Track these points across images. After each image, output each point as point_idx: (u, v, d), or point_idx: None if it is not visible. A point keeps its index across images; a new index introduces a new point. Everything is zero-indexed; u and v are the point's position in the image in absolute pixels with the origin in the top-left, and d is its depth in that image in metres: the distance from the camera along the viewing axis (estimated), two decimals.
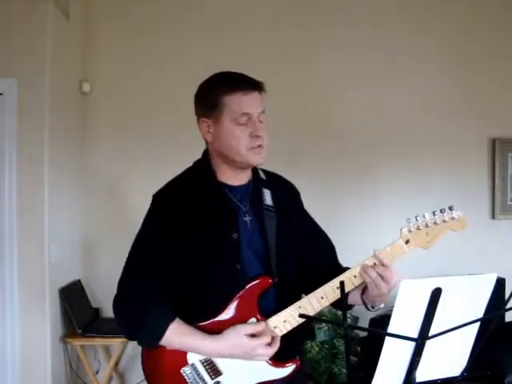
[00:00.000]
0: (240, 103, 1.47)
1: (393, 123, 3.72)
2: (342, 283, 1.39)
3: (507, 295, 1.41)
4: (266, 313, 1.49)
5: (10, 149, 3.03)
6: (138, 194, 3.66)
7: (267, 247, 1.53)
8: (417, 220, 1.47)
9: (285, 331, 1.48)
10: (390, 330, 1.24)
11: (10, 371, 3.05)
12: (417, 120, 3.71)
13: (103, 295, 3.63)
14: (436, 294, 1.22)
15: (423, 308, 1.23)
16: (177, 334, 1.45)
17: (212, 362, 1.48)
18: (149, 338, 1.47)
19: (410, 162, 3.71)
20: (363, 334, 3.31)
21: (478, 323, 1.31)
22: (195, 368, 1.48)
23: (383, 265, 1.43)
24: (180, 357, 1.48)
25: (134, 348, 3.68)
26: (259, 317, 1.48)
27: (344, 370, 3.12)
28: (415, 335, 1.25)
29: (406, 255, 1.50)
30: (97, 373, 3.53)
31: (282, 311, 1.48)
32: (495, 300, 1.34)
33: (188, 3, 3.69)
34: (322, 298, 1.47)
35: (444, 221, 1.47)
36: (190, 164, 3.72)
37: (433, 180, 3.70)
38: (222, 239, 1.50)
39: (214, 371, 1.48)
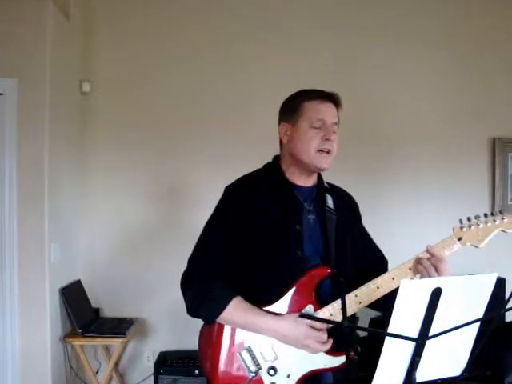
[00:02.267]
0: (317, 109, 1.63)
1: (393, 123, 3.72)
2: (343, 297, 1.38)
3: (507, 295, 1.41)
4: (323, 303, 1.58)
5: (10, 149, 3.03)
6: (138, 194, 3.68)
7: (327, 242, 1.66)
8: (469, 220, 1.59)
9: (340, 319, 1.53)
10: (390, 329, 1.25)
11: (10, 371, 3.04)
12: (417, 120, 3.71)
13: (103, 295, 3.63)
14: (436, 294, 1.22)
15: (423, 308, 1.23)
16: (239, 309, 1.55)
17: (268, 346, 1.56)
18: (211, 310, 1.56)
19: (410, 162, 3.71)
20: (363, 333, 3.30)
21: (478, 323, 1.31)
22: (251, 351, 1.57)
23: (436, 257, 1.55)
24: (237, 339, 1.58)
25: (134, 348, 3.69)
26: (316, 304, 1.58)
27: None
28: (415, 335, 1.25)
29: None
30: (97, 373, 3.53)
31: (339, 299, 1.55)
32: (495, 300, 1.34)
33: (188, 3, 3.69)
34: (378, 287, 1.57)
35: (495, 221, 1.59)
36: (190, 163, 3.74)
37: (433, 179, 3.69)
38: (287, 228, 1.62)
39: (270, 356, 1.56)
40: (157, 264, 3.57)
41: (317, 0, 3.70)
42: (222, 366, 1.57)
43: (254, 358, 1.56)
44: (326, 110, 1.64)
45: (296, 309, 1.56)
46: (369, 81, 3.67)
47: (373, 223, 3.54)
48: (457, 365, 1.36)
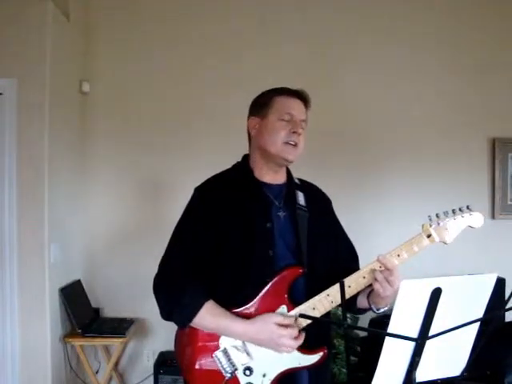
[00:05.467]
0: (286, 104, 1.67)
1: (393, 122, 3.71)
2: (341, 283, 1.39)
3: (507, 295, 1.41)
4: (296, 302, 1.57)
5: (10, 149, 3.03)
6: (138, 194, 3.68)
7: (299, 241, 1.64)
8: (437, 216, 1.57)
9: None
10: (390, 330, 1.25)
11: (10, 371, 3.04)
12: (417, 120, 3.71)
13: (103, 295, 3.63)
14: (436, 294, 1.22)
15: (423, 308, 1.23)
16: (210, 314, 1.56)
17: (243, 347, 1.56)
18: (184, 315, 1.57)
19: (410, 162, 3.71)
20: (363, 333, 3.31)
21: (478, 323, 1.31)
22: (226, 353, 1.58)
23: (388, 269, 1.50)
24: (213, 341, 1.58)
25: (133, 348, 3.68)
26: (289, 305, 1.57)
27: (344, 370, 3.11)
28: (415, 335, 1.25)
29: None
30: (97, 373, 3.53)
31: (311, 299, 1.56)
32: (495, 300, 1.34)
33: (188, 4, 3.69)
34: (349, 286, 1.54)
35: (462, 216, 1.57)
36: (189, 161, 3.73)
37: (433, 180, 3.69)
38: (257, 227, 1.62)
39: (245, 356, 1.56)
40: (157, 264, 3.56)
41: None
42: (198, 367, 1.58)
43: (229, 359, 1.57)
44: (296, 106, 1.67)
45: (269, 310, 1.56)
46: (367, 82, 3.67)
47: (372, 223, 3.61)
48: (457, 365, 1.36)
